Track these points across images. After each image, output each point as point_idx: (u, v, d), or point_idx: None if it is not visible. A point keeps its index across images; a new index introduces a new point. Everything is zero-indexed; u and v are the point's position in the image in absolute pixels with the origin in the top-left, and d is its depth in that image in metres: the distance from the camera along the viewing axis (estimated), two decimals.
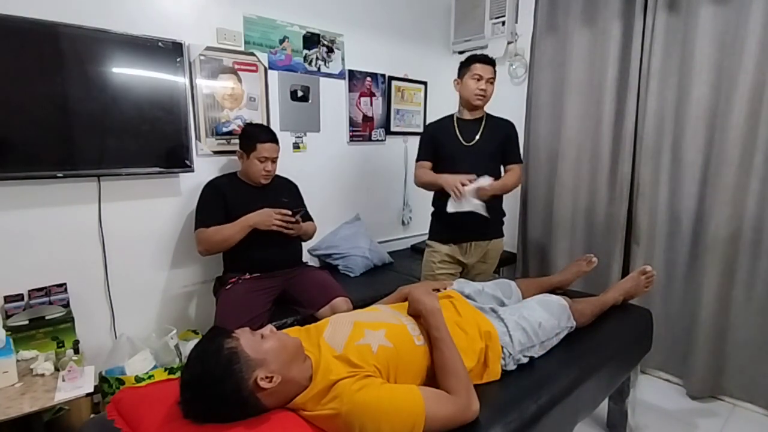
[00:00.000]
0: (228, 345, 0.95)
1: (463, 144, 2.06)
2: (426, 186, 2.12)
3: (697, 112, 2.12)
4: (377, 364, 1.06)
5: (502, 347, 1.31)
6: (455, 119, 2.13)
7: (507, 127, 2.14)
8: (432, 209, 2.20)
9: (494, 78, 2.06)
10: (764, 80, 1.91)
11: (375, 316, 1.25)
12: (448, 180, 1.94)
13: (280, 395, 0.99)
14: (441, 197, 2.08)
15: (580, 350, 1.48)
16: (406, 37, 3.02)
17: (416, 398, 0.96)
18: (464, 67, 2.07)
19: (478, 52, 2.15)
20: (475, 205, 1.89)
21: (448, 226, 2.08)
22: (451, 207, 1.94)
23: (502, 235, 2.18)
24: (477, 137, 2.07)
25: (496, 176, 2.07)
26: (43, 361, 1.55)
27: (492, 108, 3.32)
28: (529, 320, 1.41)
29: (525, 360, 1.35)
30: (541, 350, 1.41)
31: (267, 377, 0.95)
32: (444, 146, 2.08)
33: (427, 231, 3.32)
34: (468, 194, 1.88)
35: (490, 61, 2.05)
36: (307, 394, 1.00)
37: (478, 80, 2.01)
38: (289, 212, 1.95)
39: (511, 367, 1.32)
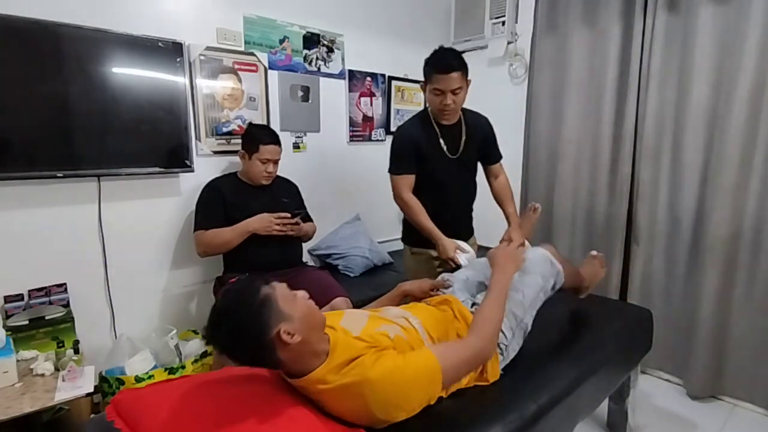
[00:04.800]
0: (264, 291, 0.98)
1: (448, 156, 1.81)
2: (413, 222, 1.84)
3: (697, 112, 2.12)
4: (393, 347, 1.09)
5: (498, 344, 1.32)
6: (435, 124, 1.81)
7: (484, 125, 1.94)
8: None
9: (462, 86, 1.68)
10: (764, 80, 1.91)
11: (388, 315, 1.27)
12: (446, 248, 1.74)
13: (295, 356, 1.00)
14: (423, 203, 1.85)
15: (580, 350, 1.49)
16: (406, 37, 3.02)
17: (429, 357, 1.03)
18: (426, 75, 1.70)
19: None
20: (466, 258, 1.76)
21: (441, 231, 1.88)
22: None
23: (473, 233, 2.11)
24: (461, 147, 1.83)
25: (474, 182, 2.00)
26: (43, 361, 1.55)
27: (492, 108, 3.29)
28: (513, 300, 1.39)
29: (521, 337, 1.39)
30: (531, 316, 1.43)
31: (289, 333, 0.96)
32: (428, 159, 1.80)
33: None
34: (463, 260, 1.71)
35: (450, 68, 1.62)
36: (327, 366, 1.02)
37: (439, 95, 1.67)
38: (288, 214, 1.96)
39: (512, 354, 1.36)
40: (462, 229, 2.02)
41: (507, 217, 2.00)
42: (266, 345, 0.95)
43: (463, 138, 1.85)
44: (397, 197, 1.86)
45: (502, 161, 2.06)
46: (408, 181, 1.83)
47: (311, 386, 1.03)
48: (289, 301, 1.00)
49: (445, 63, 1.64)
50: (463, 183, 1.95)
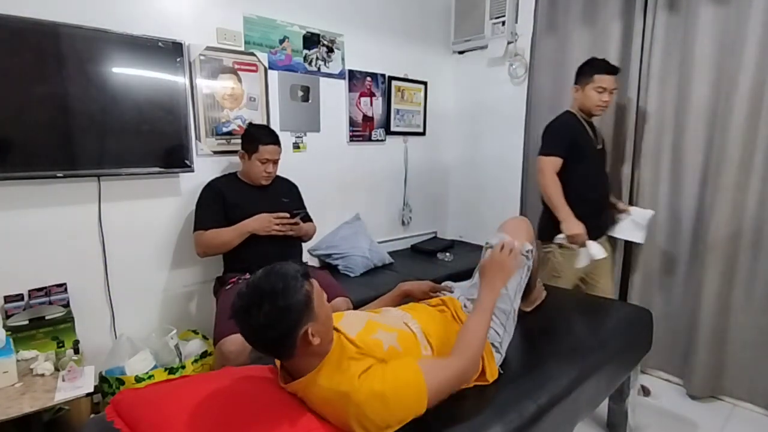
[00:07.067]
0: (306, 288, 0.98)
1: (595, 146, 2.08)
2: (547, 198, 2.03)
3: (697, 112, 2.12)
4: (385, 359, 1.07)
5: (492, 344, 1.33)
6: (582, 120, 2.07)
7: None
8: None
9: (617, 87, 2.01)
10: (764, 80, 1.91)
11: (387, 319, 1.26)
12: (576, 224, 1.93)
13: (306, 353, 1.00)
14: (578, 192, 2.01)
15: (580, 350, 1.48)
16: (406, 37, 3.02)
17: (417, 375, 1.01)
18: (585, 76, 2.01)
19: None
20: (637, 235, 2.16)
21: (592, 221, 2.00)
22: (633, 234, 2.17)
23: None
24: (600, 141, 2.13)
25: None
26: (43, 361, 1.55)
27: (492, 108, 3.31)
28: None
29: (512, 327, 1.42)
30: (518, 301, 1.46)
31: (313, 334, 0.97)
32: (583, 147, 2.04)
33: (427, 231, 3.36)
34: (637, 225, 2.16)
35: (614, 71, 1.98)
36: (321, 369, 1.01)
37: (601, 92, 1.98)
38: (288, 214, 1.96)
39: (505, 346, 1.37)
40: (604, 217, 2.18)
41: (616, 202, 2.25)
42: (292, 338, 0.96)
43: (599, 134, 2.15)
44: (542, 175, 2.02)
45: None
46: (556, 163, 2.01)
47: (304, 389, 1.03)
48: (320, 302, 1.02)
49: (612, 66, 1.99)
50: (604, 173, 2.18)
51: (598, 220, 2.10)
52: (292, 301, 0.94)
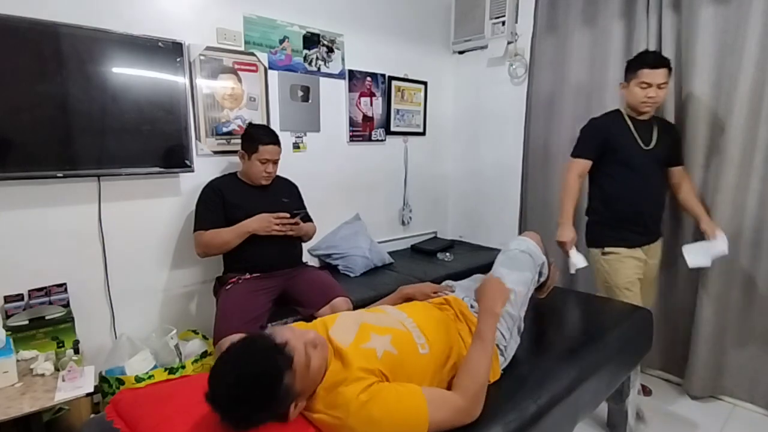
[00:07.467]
0: (287, 380, 0.93)
1: (641, 147, 1.93)
2: (559, 198, 2.04)
3: (697, 112, 2.12)
4: (382, 368, 1.05)
5: (497, 345, 1.32)
6: (628, 118, 1.96)
7: (675, 130, 2.09)
8: (601, 210, 2.02)
9: (666, 82, 1.86)
10: (764, 80, 1.91)
11: (382, 320, 1.23)
12: (567, 232, 1.96)
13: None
14: (615, 195, 1.98)
15: (580, 350, 1.48)
16: (406, 37, 3.02)
17: (421, 406, 0.97)
18: (631, 72, 1.91)
19: (649, 48, 2.11)
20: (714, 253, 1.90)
21: (636, 227, 1.99)
22: (694, 259, 1.93)
23: (661, 234, 2.14)
24: (654, 141, 1.95)
25: (664, 181, 2.05)
26: (43, 361, 1.55)
27: (492, 108, 3.29)
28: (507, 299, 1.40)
29: (517, 335, 1.41)
30: (523, 312, 1.46)
31: (297, 404, 0.97)
32: (620, 148, 1.93)
33: (427, 231, 3.36)
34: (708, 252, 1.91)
35: (660, 63, 1.84)
36: (316, 395, 1.00)
37: (646, 88, 1.86)
38: (288, 215, 1.96)
39: (511, 353, 1.37)
40: (651, 224, 2.05)
41: (698, 216, 2.02)
42: (273, 420, 0.96)
43: (655, 133, 1.97)
44: (566, 180, 2.03)
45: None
46: (582, 165, 2.01)
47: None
48: (304, 374, 0.96)
49: (655, 59, 1.87)
50: (654, 176, 2.00)
51: (637, 225, 1.99)
52: (270, 405, 0.93)
